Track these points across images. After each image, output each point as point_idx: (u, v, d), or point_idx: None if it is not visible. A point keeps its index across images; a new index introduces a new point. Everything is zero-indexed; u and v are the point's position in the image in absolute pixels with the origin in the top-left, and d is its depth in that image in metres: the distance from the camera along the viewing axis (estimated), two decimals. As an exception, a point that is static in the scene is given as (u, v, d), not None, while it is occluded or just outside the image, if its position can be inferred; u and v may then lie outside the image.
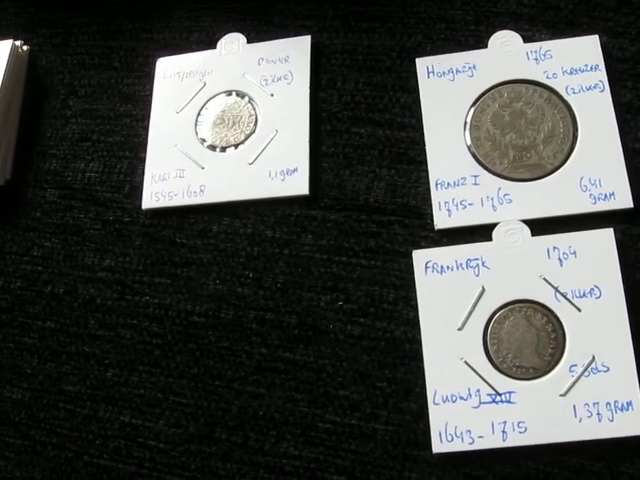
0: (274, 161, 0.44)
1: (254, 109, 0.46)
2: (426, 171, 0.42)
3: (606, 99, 0.41)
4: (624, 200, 0.39)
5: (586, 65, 0.42)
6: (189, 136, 0.46)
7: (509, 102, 0.42)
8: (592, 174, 0.40)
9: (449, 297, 0.39)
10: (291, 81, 0.46)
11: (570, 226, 0.39)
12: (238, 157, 0.45)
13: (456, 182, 0.41)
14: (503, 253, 0.39)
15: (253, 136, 0.45)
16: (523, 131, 0.41)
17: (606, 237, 0.38)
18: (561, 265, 0.38)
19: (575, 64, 0.42)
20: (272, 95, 0.46)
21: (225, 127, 0.46)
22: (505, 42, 0.44)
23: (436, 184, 0.41)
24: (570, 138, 0.41)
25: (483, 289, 0.39)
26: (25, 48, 0.52)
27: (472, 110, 0.43)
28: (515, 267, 0.39)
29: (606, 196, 0.39)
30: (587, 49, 0.42)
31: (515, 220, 0.39)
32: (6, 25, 0.54)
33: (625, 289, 0.37)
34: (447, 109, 0.43)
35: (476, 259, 0.39)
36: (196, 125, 0.46)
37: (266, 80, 0.46)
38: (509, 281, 0.38)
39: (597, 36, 0.42)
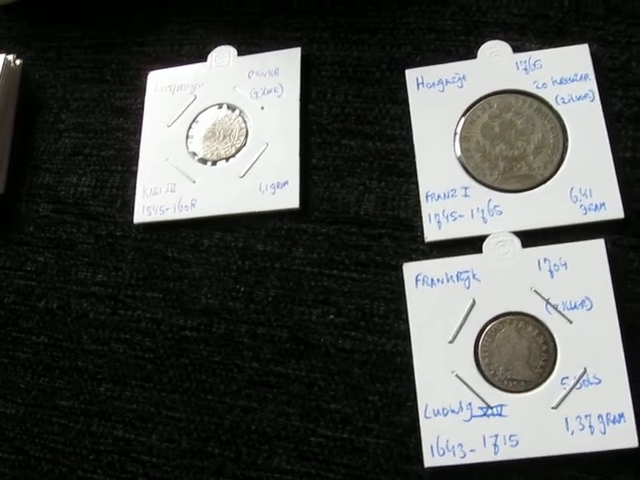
0: (265, 174, 0.44)
1: (245, 122, 0.46)
2: (416, 183, 0.42)
3: (596, 108, 0.41)
4: (615, 210, 0.39)
5: (576, 74, 0.42)
6: (180, 150, 0.46)
7: (499, 113, 0.42)
8: (583, 184, 0.39)
9: (440, 310, 0.39)
10: (281, 94, 0.46)
11: (561, 237, 0.39)
12: (229, 171, 0.45)
13: (446, 194, 0.41)
14: (494, 265, 0.39)
15: (244, 149, 0.45)
16: (513, 142, 0.41)
17: (597, 248, 0.38)
18: (552, 277, 0.38)
19: (565, 74, 0.42)
20: (262, 108, 0.46)
21: (216, 140, 0.46)
22: (495, 52, 0.44)
23: (426, 196, 0.41)
24: (560, 148, 0.41)
25: (474, 301, 0.38)
26: (18, 62, 0.52)
27: (462, 121, 0.42)
28: (506, 279, 0.39)
29: (597, 206, 0.39)
30: (577, 58, 0.42)
31: (505, 232, 0.39)
32: (-1, 39, 0.54)
33: (616, 300, 0.37)
34: (437, 120, 0.43)
35: (466, 271, 0.39)
36: (187, 139, 0.46)
37: (256, 93, 0.46)
38: (500, 293, 0.38)
39: (587, 45, 0.42)
